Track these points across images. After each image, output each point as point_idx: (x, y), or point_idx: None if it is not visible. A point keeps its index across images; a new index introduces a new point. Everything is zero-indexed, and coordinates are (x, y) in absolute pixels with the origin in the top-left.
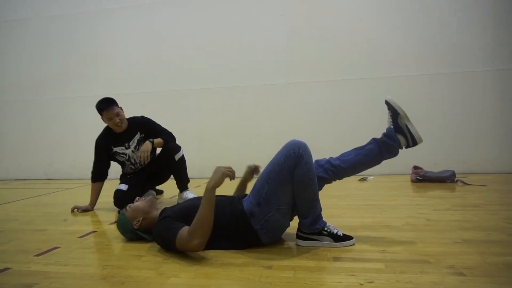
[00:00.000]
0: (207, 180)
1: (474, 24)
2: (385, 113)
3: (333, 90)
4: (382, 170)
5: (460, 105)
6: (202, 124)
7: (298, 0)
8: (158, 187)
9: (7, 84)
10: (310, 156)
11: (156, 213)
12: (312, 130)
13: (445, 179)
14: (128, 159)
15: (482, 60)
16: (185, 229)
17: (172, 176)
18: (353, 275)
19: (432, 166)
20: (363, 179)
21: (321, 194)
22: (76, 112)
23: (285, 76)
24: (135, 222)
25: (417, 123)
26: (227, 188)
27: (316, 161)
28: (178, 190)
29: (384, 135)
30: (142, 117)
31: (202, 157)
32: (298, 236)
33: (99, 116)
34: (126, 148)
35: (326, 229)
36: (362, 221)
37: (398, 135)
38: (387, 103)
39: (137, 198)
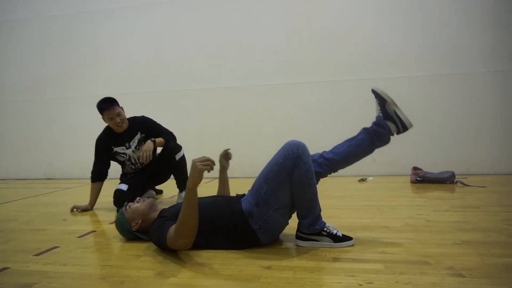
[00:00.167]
0: (207, 180)
1: (474, 24)
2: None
3: (333, 90)
4: (382, 171)
5: (460, 105)
6: (202, 124)
7: (298, 0)
8: (157, 187)
9: (7, 84)
10: (309, 157)
11: (155, 214)
12: (312, 130)
13: (445, 180)
14: (129, 159)
15: (482, 60)
16: (172, 228)
17: (172, 175)
18: (352, 275)
19: (431, 167)
20: (362, 180)
21: (320, 194)
22: (76, 112)
23: (285, 76)
24: (133, 224)
25: (417, 123)
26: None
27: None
28: (177, 190)
29: (374, 123)
30: (143, 117)
31: None
32: (298, 237)
33: (99, 116)
34: (127, 148)
35: (325, 229)
36: (361, 221)
37: (387, 122)
38: (373, 91)
39: (138, 198)
